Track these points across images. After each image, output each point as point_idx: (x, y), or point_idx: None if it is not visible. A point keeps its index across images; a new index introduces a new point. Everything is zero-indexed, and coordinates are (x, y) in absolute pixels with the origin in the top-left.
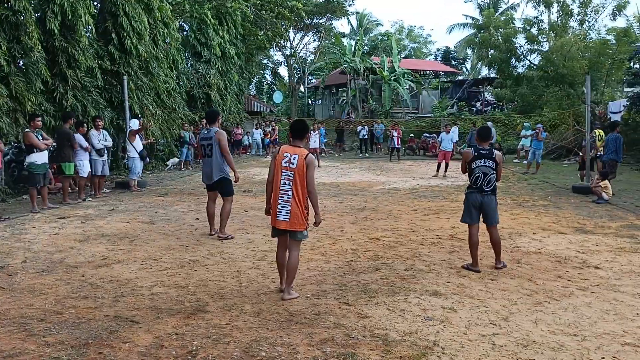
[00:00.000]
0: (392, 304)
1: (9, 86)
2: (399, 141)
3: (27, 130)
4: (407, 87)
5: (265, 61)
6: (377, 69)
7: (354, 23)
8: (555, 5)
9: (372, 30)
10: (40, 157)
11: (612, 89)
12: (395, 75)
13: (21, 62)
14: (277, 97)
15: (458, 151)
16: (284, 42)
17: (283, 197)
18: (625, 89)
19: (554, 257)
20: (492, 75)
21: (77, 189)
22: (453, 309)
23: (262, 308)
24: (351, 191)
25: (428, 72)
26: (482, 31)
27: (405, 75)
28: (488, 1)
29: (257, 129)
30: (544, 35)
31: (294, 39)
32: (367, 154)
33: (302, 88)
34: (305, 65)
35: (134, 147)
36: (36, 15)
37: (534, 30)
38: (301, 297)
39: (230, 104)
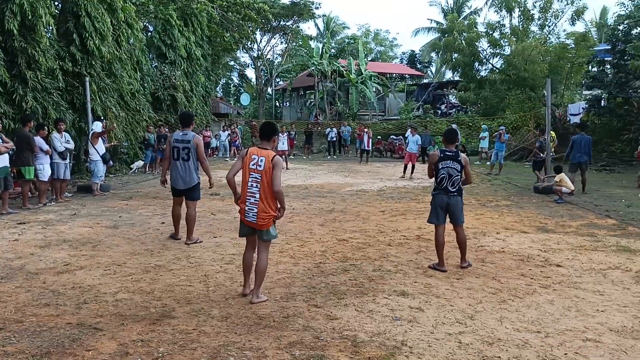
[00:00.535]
0: (360, 305)
1: None
2: (369, 143)
3: None
4: (374, 89)
5: (232, 63)
6: (344, 72)
7: (321, 26)
8: (516, 10)
9: (339, 33)
10: (0, 161)
11: (571, 92)
12: (362, 78)
13: None
14: (245, 99)
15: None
16: (251, 44)
17: (250, 199)
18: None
19: (517, 255)
20: (456, 78)
21: (37, 193)
22: (420, 309)
23: (230, 312)
24: (320, 193)
25: (394, 75)
26: (446, 35)
27: (372, 78)
28: (452, 6)
29: (224, 131)
30: (505, 40)
31: (261, 41)
32: (335, 156)
33: (269, 90)
34: (273, 67)
35: (96, 150)
36: None
37: (496, 35)
38: (270, 300)
39: (196, 106)
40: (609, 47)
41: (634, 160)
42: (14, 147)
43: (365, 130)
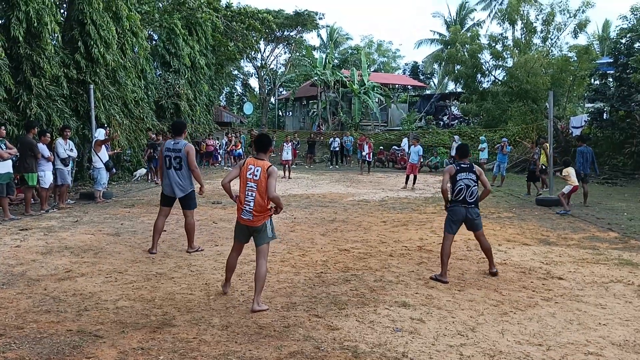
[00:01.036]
0: (361, 315)
1: None
2: (370, 154)
3: None
4: (377, 100)
5: (235, 72)
6: (347, 82)
7: (324, 36)
8: (519, 22)
9: (342, 43)
10: (3, 167)
11: (573, 105)
12: (364, 89)
13: None
14: (248, 108)
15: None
16: (254, 54)
17: (246, 207)
18: (587, 105)
19: (519, 268)
20: (459, 90)
21: (39, 200)
22: (421, 320)
23: (231, 321)
24: (321, 203)
25: (397, 86)
26: (448, 47)
27: (375, 88)
28: (455, 17)
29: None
30: (508, 52)
31: (264, 51)
32: (337, 166)
33: (272, 100)
34: (276, 77)
35: (99, 157)
36: (0, 21)
37: (498, 47)
38: (270, 310)
39: (199, 114)
40: (612, 60)
41: (636, 173)
42: (18, 154)
43: (366, 140)
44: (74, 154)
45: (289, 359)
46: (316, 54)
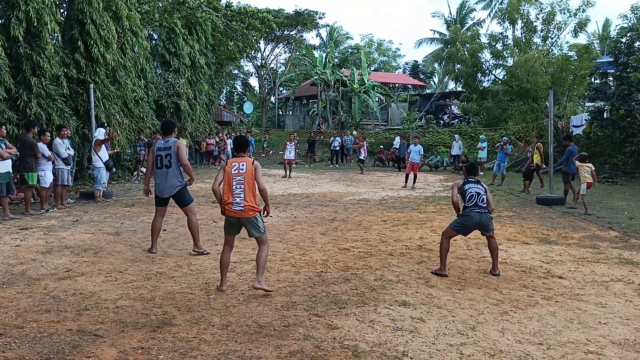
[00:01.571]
0: (361, 314)
1: None
2: (366, 153)
3: None
4: (377, 99)
5: (235, 72)
6: (347, 81)
7: (324, 36)
8: (519, 22)
9: (343, 43)
10: (3, 166)
11: (574, 104)
12: (364, 88)
13: None
14: (248, 107)
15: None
16: (254, 53)
17: (236, 199)
18: (587, 104)
19: (519, 267)
20: (459, 89)
21: (39, 199)
22: (422, 319)
23: (231, 320)
24: (322, 202)
25: (397, 85)
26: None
27: (375, 87)
28: (455, 17)
29: (228, 139)
30: (508, 51)
31: (264, 50)
32: (337, 165)
33: (272, 99)
34: (276, 76)
35: (99, 157)
36: (0, 21)
37: (499, 46)
38: (270, 309)
39: (199, 113)
40: (612, 60)
41: (636, 172)
42: (17, 153)
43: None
44: (71, 151)
45: (289, 358)
46: (316, 53)
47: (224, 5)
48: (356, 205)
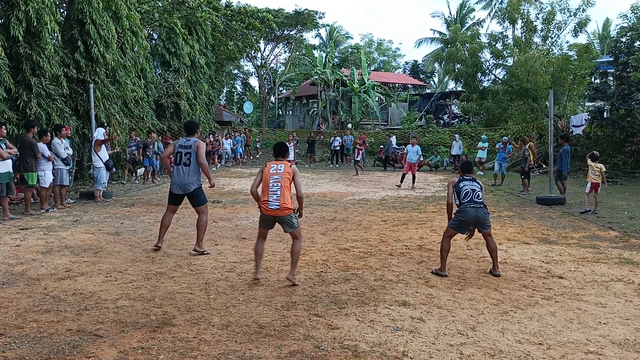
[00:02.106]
0: (361, 314)
1: None
2: (359, 153)
3: None
4: (377, 99)
5: (235, 71)
6: (347, 81)
7: (324, 35)
8: (519, 21)
9: (342, 43)
10: (3, 166)
11: (574, 103)
12: (364, 88)
13: None
14: (248, 107)
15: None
16: (254, 53)
17: (272, 196)
18: (587, 104)
19: (519, 267)
20: (459, 88)
21: (39, 199)
22: (422, 319)
23: (231, 321)
24: (322, 202)
25: (397, 84)
26: (449, 46)
27: (375, 87)
28: (455, 16)
29: (227, 139)
30: (508, 51)
31: (264, 50)
32: (337, 165)
33: (272, 99)
34: (276, 76)
35: (99, 157)
36: (0, 21)
37: (499, 46)
38: (270, 309)
39: (199, 113)
40: (612, 59)
41: (636, 172)
42: (17, 153)
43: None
44: (70, 151)
45: (289, 358)
46: (316, 53)
47: (223, 5)
48: (356, 205)
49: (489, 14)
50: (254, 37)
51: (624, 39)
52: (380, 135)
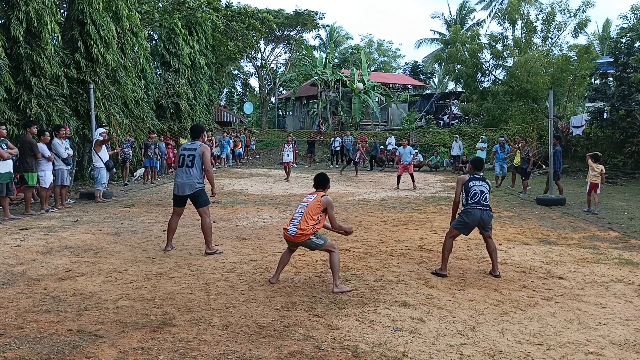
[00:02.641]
0: (361, 315)
1: None
2: (357, 155)
3: None
4: (377, 99)
5: (235, 72)
6: (347, 82)
7: (324, 36)
8: (519, 22)
9: (342, 43)
10: (4, 166)
11: (574, 104)
12: (365, 88)
13: None
14: (248, 108)
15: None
16: (254, 54)
17: (294, 221)
18: (587, 104)
19: (519, 267)
20: (459, 89)
21: (39, 199)
22: (422, 320)
23: (231, 321)
24: None
25: (397, 85)
26: (449, 46)
27: (375, 88)
28: (455, 17)
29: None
30: (508, 51)
31: (264, 51)
32: (337, 166)
33: (272, 99)
34: (276, 76)
35: (100, 157)
36: (0, 21)
37: (499, 46)
38: (270, 309)
39: (199, 114)
40: (612, 60)
41: (636, 172)
42: (18, 153)
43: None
44: (71, 151)
45: (289, 358)
46: (316, 54)
47: (224, 5)
48: (356, 205)
49: (489, 15)
50: (254, 38)
51: (624, 40)
52: (380, 135)
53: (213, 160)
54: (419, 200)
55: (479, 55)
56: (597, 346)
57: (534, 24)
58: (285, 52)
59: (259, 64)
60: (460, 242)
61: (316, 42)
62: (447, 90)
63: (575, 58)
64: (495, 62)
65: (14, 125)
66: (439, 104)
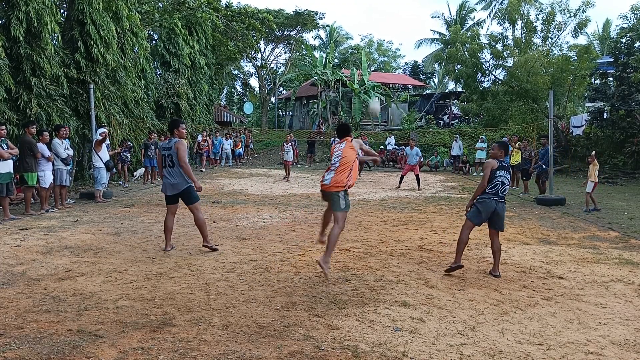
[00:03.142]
0: (361, 315)
1: None
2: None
3: None
4: (377, 99)
5: (235, 72)
6: (347, 82)
7: (324, 36)
8: (519, 22)
9: (342, 43)
10: (4, 166)
11: (574, 104)
12: (365, 88)
13: None
14: (248, 108)
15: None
16: (254, 54)
17: (327, 173)
18: (587, 104)
19: (519, 267)
20: (459, 89)
21: (39, 199)
22: (422, 320)
23: (231, 321)
24: (322, 202)
25: (397, 85)
26: (449, 46)
27: (375, 88)
28: (455, 17)
29: (227, 139)
30: (508, 51)
31: (264, 51)
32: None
33: (272, 99)
34: (276, 76)
35: (100, 157)
36: (0, 21)
37: (499, 46)
38: (270, 309)
39: (199, 114)
40: (612, 60)
41: (636, 172)
42: (18, 153)
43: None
44: (70, 152)
45: (289, 358)
46: (316, 54)
47: (224, 5)
48: (356, 205)
49: (489, 15)
50: (254, 38)
51: (624, 40)
52: (380, 135)
53: (212, 160)
54: (419, 200)
55: (479, 55)
56: (597, 346)
57: (534, 23)
58: (285, 52)
59: (259, 64)
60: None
61: (316, 42)
62: (447, 90)
63: (575, 58)
64: (495, 62)
65: (14, 125)
66: (439, 104)
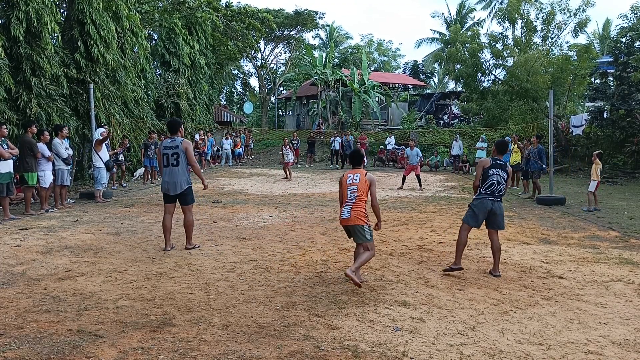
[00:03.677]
0: (361, 314)
1: None
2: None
3: None
4: (377, 99)
5: (235, 71)
6: (347, 81)
7: (324, 36)
8: (519, 21)
9: (342, 43)
10: (4, 166)
11: (574, 104)
12: (365, 88)
13: None
14: (248, 107)
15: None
16: (254, 53)
17: (346, 206)
18: (587, 104)
19: (519, 267)
20: (459, 89)
21: (39, 199)
22: (422, 319)
23: (231, 321)
24: (322, 202)
25: (397, 85)
26: (449, 46)
27: (375, 87)
28: (455, 17)
29: (227, 139)
30: (508, 51)
31: (264, 50)
32: (337, 165)
33: (272, 99)
34: (276, 76)
35: (100, 157)
36: (0, 21)
37: (499, 46)
38: (270, 309)
39: (199, 113)
40: (612, 59)
41: (636, 172)
42: (18, 153)
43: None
44: (71, 151)
45: (289, 358)
46: (316, 53)
47: (224, 5)
48: None
49: (489, 14)
50: (254, 38)
51: (624, 39)
52: (380, 135)
53: (212, 160)
54: (419, 200)
55: (479, 54)
56: (597, 346)
57: (534, 23)
58: (285, 52)
59: (258, 64)
60: None
61: (316, 42)
62: (447, 90)
63: (575, 57)
64: (495, 62)
65: (14, 125)
66: (439, 104)
